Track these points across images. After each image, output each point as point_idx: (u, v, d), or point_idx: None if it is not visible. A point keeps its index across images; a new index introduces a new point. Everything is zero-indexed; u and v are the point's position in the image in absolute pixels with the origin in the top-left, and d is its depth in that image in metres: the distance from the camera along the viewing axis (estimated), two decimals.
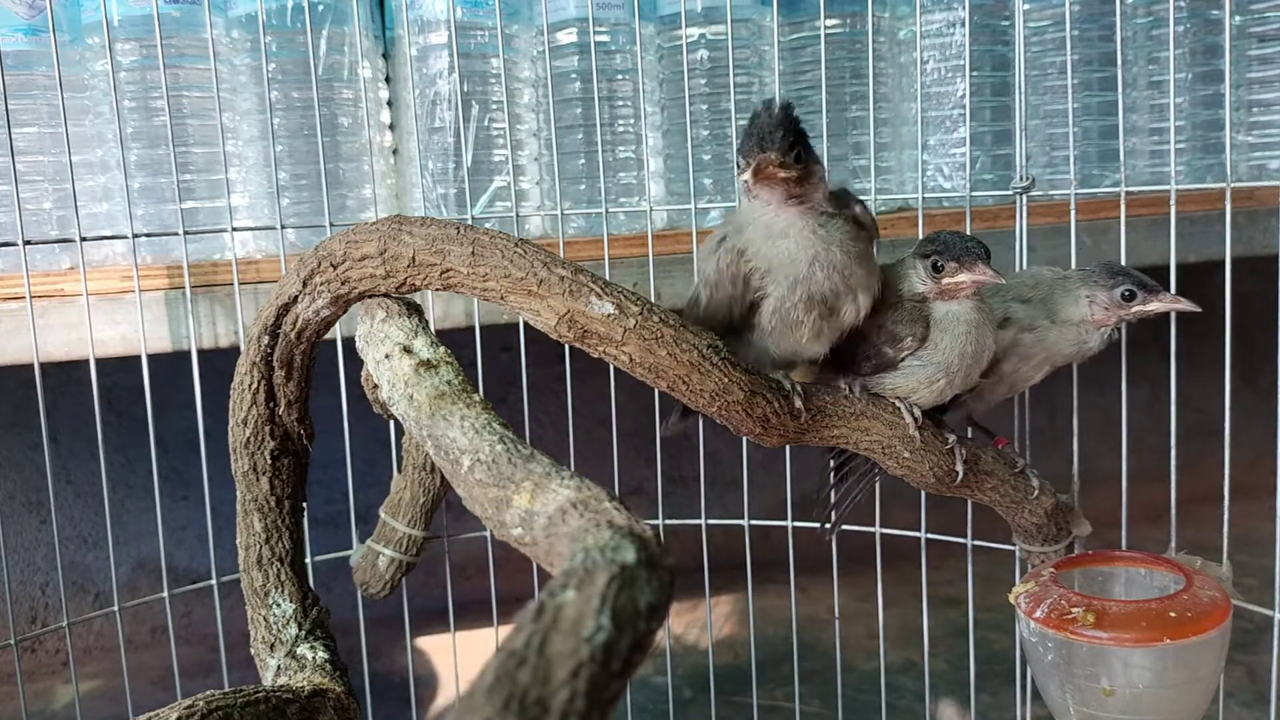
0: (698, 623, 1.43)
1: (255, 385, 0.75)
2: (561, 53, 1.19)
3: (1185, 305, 0.80)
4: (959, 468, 0.80)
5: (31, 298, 0.95)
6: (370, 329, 0.69)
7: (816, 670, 1.30)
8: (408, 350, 0.65)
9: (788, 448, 0.82)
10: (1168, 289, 0.82)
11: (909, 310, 0.78)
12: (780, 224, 0.73)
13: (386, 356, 0.66)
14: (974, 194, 0.99)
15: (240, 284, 1.01)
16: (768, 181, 0.71)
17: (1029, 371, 0.84)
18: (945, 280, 0.77)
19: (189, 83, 1.10)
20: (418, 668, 1.09)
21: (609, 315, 0.66)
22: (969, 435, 0.89)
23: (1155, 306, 0.80)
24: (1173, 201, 0.89)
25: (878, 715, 1.15)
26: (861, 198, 0.78)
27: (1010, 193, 0.96)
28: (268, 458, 0.77)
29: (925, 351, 0.78)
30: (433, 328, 0.72)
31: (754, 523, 1.06)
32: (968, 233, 0.85)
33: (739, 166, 0.72)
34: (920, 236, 0.99)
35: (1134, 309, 0.81)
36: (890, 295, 0.79)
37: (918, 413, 0.79)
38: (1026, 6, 1.19)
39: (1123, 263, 0.88)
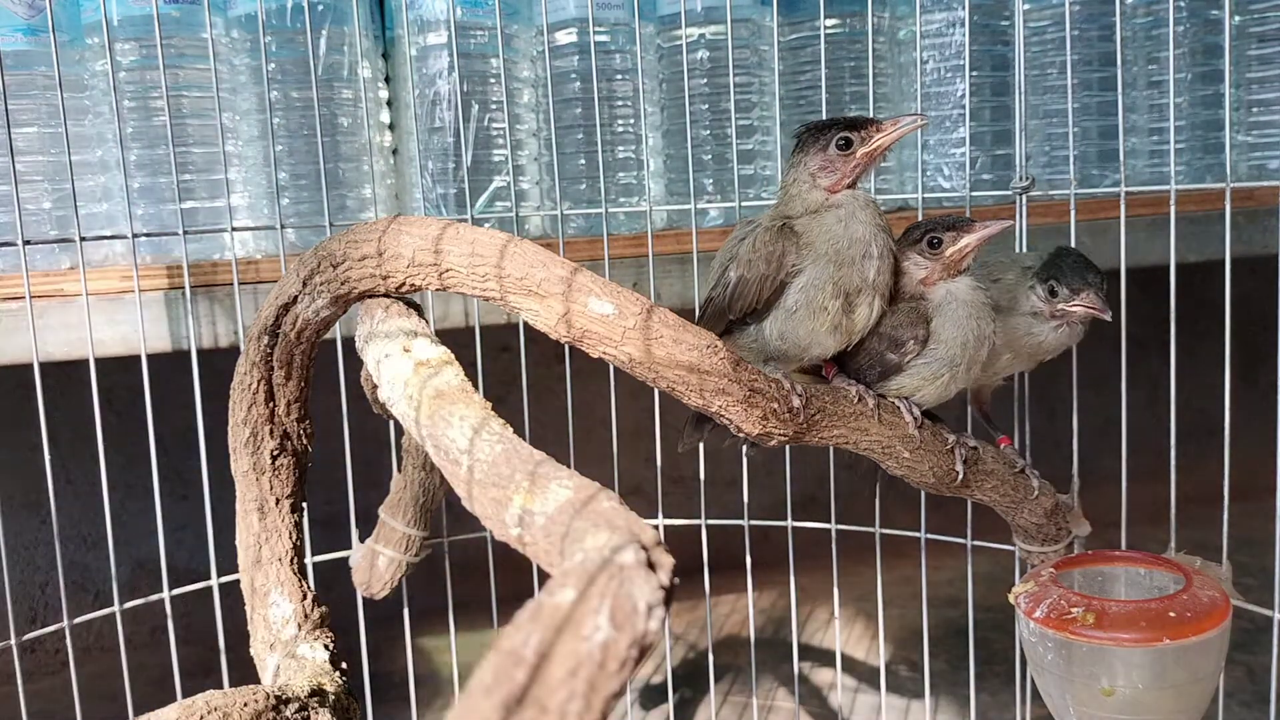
0: (698, 623, 1.43)
1: (255, 385, 0.75)
2: (561, 53, 1.19)
3: (1097, 312, 0.79)
4: (959, 467, 0.80)
5: (31, 298, 0.95)
6: (370, 329, 0.69)
7: (816, 670, 1.30)
8: (407, 350, 0.65)
9: (787, 448, 0.82)
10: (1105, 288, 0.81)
11: (906, 313, 0.79)
12: (849, 205, 0.77)
13: (386, 356, 0.65)
14: (974, 194, 0.99)
15: (240, 284, 1.01)
16: (869, 159, 0.77)
17: (1001, 349, 0.83)
18: (948, 251, 0.77)
19: (189, 83, 1.10)
20: (418, 668, 1.09)
21: (608, 315, 0.66)
22: (969, 434, 0.89)
23: (1074, 308, 0.80)
24: (1172, 201, 0.89)
25: (878, 715, 1.15)
26: None
27: (1010, 193, 0.96)
28: (267, 458, 0.77)
29: (928, 348, 0.78)
30: (433, 328, 0.72)
31: (754, 523, 1.06)
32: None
33: (841, 145, 0.76)
34: None
35: (1059, 306, 0.80)
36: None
37: (917, 412, 0.79)
38: (1026, 6, 1.19)
39: (1122, 256, 0.88)
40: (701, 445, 1.05)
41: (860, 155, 0.76)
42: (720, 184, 1.20)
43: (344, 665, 0.77)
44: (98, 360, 0.96)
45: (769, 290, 0.77)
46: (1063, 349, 0.84)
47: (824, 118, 0.80)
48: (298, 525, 0.79)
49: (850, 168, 0.77)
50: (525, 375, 1.05)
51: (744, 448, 0.88)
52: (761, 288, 0.77)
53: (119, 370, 1.01)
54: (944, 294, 0.79)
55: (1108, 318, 0.80)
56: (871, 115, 0.80)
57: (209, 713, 0.65)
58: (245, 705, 0.66)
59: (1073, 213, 0.94)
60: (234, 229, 1.02)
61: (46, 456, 0.93)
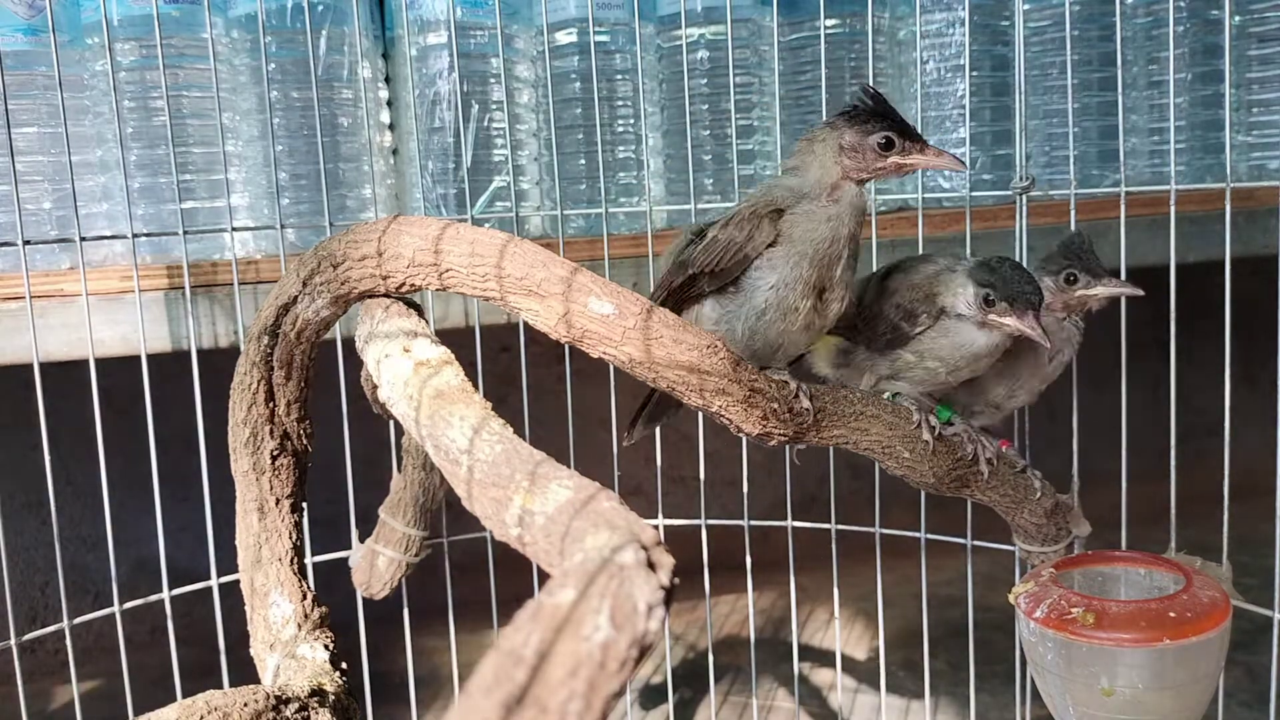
0: (698, 623, 1.43)
1: (255, 385, 0.75)
2: (561, 53, 1.19)
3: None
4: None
5: (31, 298, 0.95)
6: (370, 329, 0.69)
7: (816, 670, 1.30)
8: (407, 350, 0.65)
9: (787, 447, 0.82)
10: (1115, 278, 0.82)
11: (923, 293, 0.80)
12: (846, 206, 0.75)
13: (386, 356, 0.65)
14: (974, 194, 0.99)
15: (240, 284, 1.01)
16: (896, 170, 0.76)
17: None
18: (991, 317, 0.77)
19: (189, 83, 1.10)
20: (418, 668, 1.09)
21: (608, 315, 0.66)
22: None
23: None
24: (1172, 201, 0.89)
25: (878, 715, 1.15)
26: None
27: (1010, 193, 0.96)
28: (267, 458, 0.77)
29: (937, 325, 0.80)
30: (433, 328, 0.72)
31: (754, 523, 1.06)
32: (1014, 261, 0.80)
33: (882, 144, 0.75)
34: (920, 237, 0.99)
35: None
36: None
37: (934, 420, 0.79)
38: (1026, 6, 1.19)
39: (1122, 256, 0.88)
40: (702, 447, 1.05)
41: (891, 163, 0.75)
42: (720, 184, 1.20)
43: (344, 665, 0.77)
44: (98, 360, 0.96)
45: (734, 257, 0.76)
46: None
47: (872, 105, 0.76)
48: (298, 525, 0.79)
49: (874, 167, 0.75)
50: (525, 375, 1.05)
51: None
52: (726, 253, 0.76)
53: (119, 370, 1.01)
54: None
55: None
56: (919, 131, 0.77)
57: (209, 713, 0.65)
58: (245, 705, 0.66)
59: (1073, 213, 0.94)
60: (234, 229, 1.02)
61: (46, 456, 0.93)
